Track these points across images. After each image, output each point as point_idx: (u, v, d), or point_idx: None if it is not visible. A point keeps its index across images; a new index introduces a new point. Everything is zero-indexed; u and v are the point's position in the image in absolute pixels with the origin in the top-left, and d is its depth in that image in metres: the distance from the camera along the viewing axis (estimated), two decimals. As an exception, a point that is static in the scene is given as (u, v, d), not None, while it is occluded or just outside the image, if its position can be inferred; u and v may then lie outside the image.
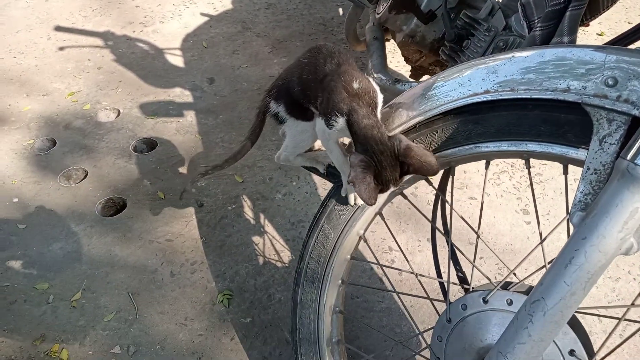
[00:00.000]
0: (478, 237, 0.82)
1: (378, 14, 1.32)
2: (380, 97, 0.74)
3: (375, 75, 1.33)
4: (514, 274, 0.86)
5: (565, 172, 0.72)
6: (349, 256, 0.93)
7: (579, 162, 0.68)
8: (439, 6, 1.19)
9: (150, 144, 1.74)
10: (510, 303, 0.73)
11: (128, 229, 1.44)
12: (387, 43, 1.52)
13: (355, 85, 0.71)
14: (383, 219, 0.90)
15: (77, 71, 2.06)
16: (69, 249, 1.39)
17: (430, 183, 0.85)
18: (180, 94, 1.95)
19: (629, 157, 0.54)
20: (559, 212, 1.51)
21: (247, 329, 1.22)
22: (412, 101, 0.78)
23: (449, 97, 0.74)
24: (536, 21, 0.92)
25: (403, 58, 1.43)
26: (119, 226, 1.45)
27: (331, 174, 0.88)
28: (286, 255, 1.39)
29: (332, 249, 0.92)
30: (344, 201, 0.87)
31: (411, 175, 0.71)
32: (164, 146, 1.72)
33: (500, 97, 0.69)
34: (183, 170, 1.63)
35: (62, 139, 1.74)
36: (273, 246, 1.41)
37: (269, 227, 1.46)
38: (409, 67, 1.51)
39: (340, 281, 0.95)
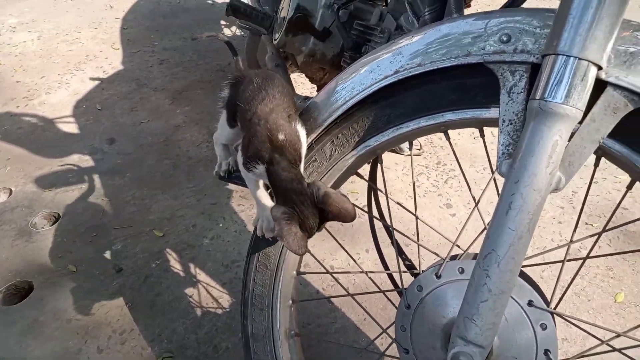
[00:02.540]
0: (417, 218, 0.82)
1: (275, 40, 1.34)
2: (304, 148, 0.74)
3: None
4: (457, 246, 0.86)
5: (482, 134, 0.75)
6: (294, 272, 0.88)
7: (492, 122, 0.71)
8: (332, 22, 1.23)
9: (51, 218, 1.57)
10: (462, 271, 0.72)
11: (39, 312, 1.26)
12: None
13: (281, 137, 0.70)
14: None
15: (-47, 156, 1.84)
16: (-33, 350, 1.17)
17: (361, 176, 0.85)
18: (79, 160, 1.81)
19: (537, 96, 0.57)
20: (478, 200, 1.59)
21: (197, 388, 1.09)
22: (328, 98, 0.79)
23: (363, 85, 0.75)
24: (425, 13, 0.98)
25: (308, 79, 1.46)
26: (27, 312, 1.26)
27: (223, 178, 0.87)
28: (225, 300, 1.29)
29: (276, 267, 0.86)
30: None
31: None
32: (68, 217, 1.57)
33: (410, 74, 0.71)
34: (94, 237, 1.49)
35: (-57, 231, 1.52)
36: (209, 294, 1.31)
37: (201, 275, 1.36)
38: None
39: (290, 301, 0.89)
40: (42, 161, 1.81)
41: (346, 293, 0.83)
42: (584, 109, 0.56)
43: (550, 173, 0.57)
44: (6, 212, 1.59)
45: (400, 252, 0.90)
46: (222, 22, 3.05)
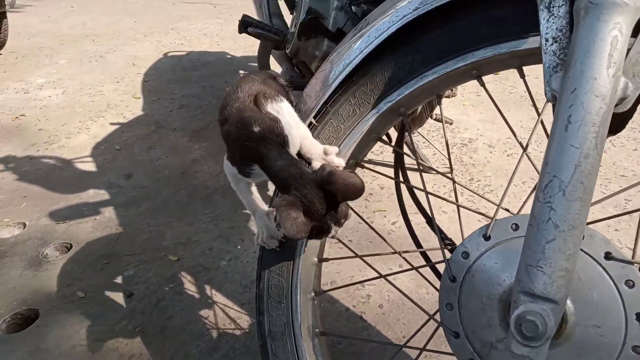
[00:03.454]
0: (454, 182, 0.72)
1: (288, 49, 1.31)
2: (290, 125, 0.66)
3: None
4: (507, 210, 0.75)
5: (522, 75, 0.67)
6: (315, 259, 0.78)
7: (532, 56, 0.63)
8: (345, 22, 1.20)
9: (63, 249, 1.50)
10: (516, 228, 0.61)
11: (41, 339, 1.15)
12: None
13: (256, 129, 0.65)
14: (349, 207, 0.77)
15: (-29, 197, 1.82)
16: (-40, 381, 1.06)
17: (385, 142, 0.76)
18: (95, 195, 1.77)
19: (584, -8, 0.49)
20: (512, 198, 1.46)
21: (212, 415, 0.95)
22: (343, 51, 0.72)
23: (379, 31, 0.68)
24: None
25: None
26: (29, 340, 1.16)
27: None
28: (244, 321, 1.16)
29: (294, 252, 0.76)
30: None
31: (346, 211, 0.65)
32: (80, 247, 1.49)
33: (432, 7, 0.64)
34: (105, 264, 1.40)
35: (-48, 265, 1.46)
36: (227, 315, 1.19)
37: (218, 297, 1.24)
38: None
39: (312, 293, 0.77)
40: (58, 197, 1.77)
41: (379, 275, 0.71)
42: (645, -1, 0.48)
43: (613, 75, 0.48)
44: (18, 244, 1.52)
45: (440, 232, 0.78)
46: (241, 72, 3.12)
